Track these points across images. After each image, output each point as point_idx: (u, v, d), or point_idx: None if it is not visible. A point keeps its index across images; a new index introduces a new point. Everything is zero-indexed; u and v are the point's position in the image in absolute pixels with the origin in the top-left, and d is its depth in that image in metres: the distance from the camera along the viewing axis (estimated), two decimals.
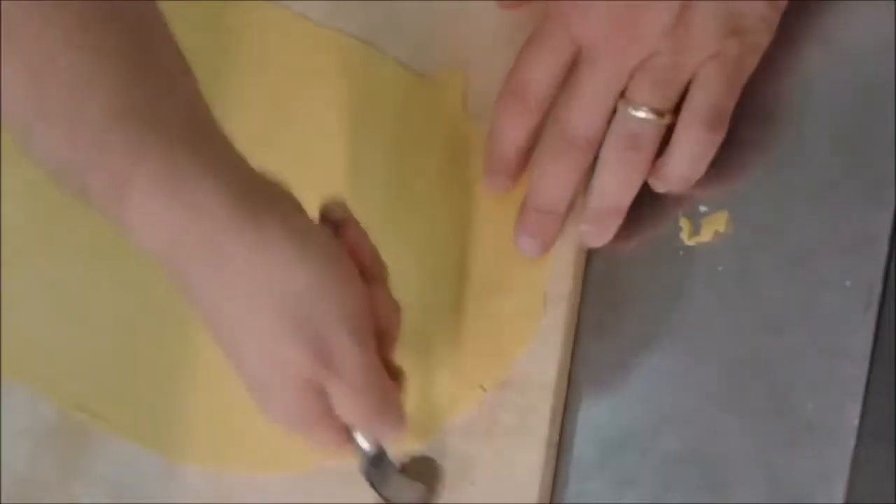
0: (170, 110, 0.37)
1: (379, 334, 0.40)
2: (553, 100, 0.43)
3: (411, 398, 0.48)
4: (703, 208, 0.44)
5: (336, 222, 0.40)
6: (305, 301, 0.37)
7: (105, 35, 0.36)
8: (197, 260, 0.36)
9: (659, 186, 0.43)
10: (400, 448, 0.45)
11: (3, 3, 0.35)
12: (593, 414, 0.45)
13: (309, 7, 0.54)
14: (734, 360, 0.43)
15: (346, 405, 0.39)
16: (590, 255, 0.46)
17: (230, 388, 0.53)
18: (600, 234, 0.44)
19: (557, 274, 0.46)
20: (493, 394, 0.47)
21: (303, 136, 0.53)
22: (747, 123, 0.43)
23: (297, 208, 0.38)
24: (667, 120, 0.41)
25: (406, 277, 0.49)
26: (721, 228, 0.44)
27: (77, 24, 0.36)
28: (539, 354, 0.46)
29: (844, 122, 0.43)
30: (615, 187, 0.42)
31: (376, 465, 0.43)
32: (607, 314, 0.45)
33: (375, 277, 0.40)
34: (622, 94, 0.41)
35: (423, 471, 0.46)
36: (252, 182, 0.37)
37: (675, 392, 0.44)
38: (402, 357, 0.48)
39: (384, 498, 0.44)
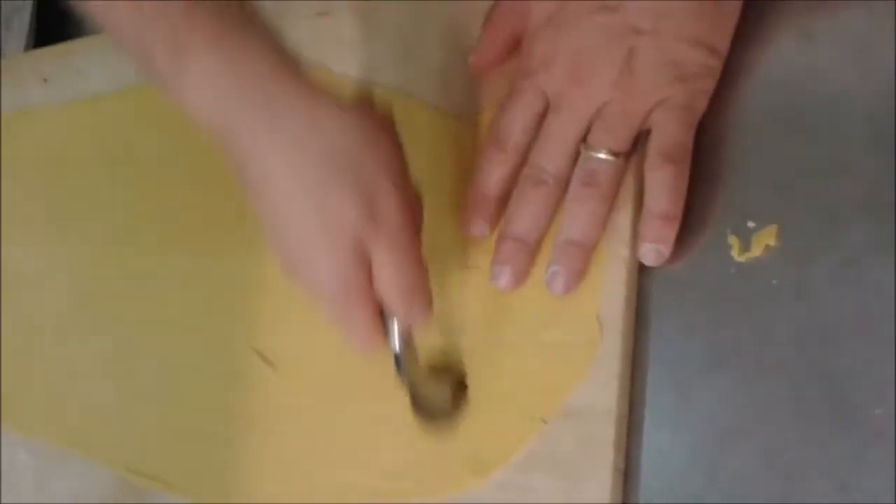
0: None
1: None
2: (527, 146, 0.48)
3: (474, 436, 0.48)
4: (751, 224, 0.44)
5: (370, 103, 0.42)
6: (353, 153, 0.39)
7: None
8: (249, 118, 0.39)
9: (649, 251, 0.45)
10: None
11: None
12: (658, 438, 0.45)
13: (350, 68, 0.56)
14: (797, 373, 0.43)
15: (386, 272, 0.40)
16: (642, 279, 0.46)
17: (287, 441, 0.54)
18: (567, 276, 0.46)
19: (610, 299, 0.46)
20: (553, 425, 0.47)
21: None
22: (788, 134, 0.43)
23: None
24: (622, 160, 0.46)
25: (459, 318, 0.50)
26: (772, 242, 0.44)
27: None
28: (598, 382, 0.46)
29: (886, 127, 0.43)
30: (579, 221, 0.46)
31: (405, 356, 0.44)
32: (664, 337, 0.46)
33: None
34: (584, 140, 0.46)
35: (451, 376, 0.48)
36: (292, 55, 0.40)
37: (739, 410, 0.44)
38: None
39: (411, 388, 0.45)
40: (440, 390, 0.47)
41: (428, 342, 0.47)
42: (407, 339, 0.44)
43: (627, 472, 0.45)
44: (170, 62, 0.39)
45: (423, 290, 0.43)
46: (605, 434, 0.45)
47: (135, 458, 0.60)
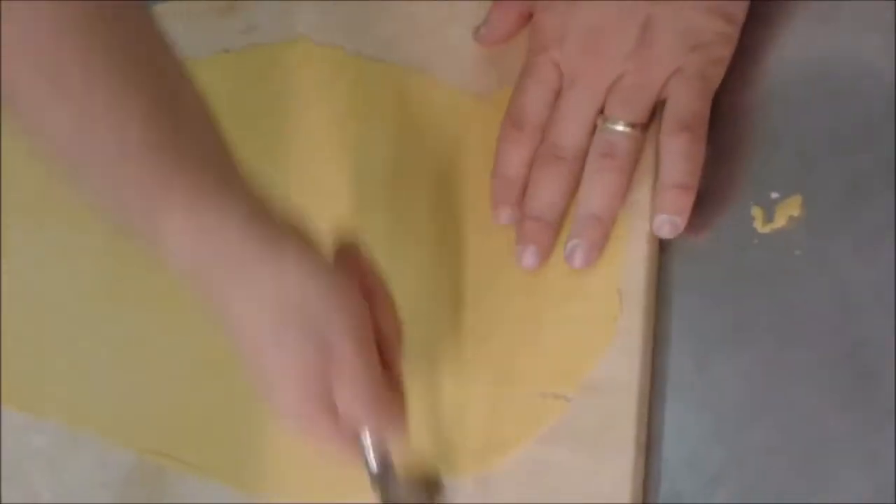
0: (195, 147, 0.42)
1: (382, 345, 0.43)
2: (545, 124, 0.47)
3: (496, 413, 0.48)
4: (774, 194, 0.44)
5: (348, 248, 0.44)
6: (309, 306, 0.41)
7: (139, 79, 0.41)
8: (220, 276, 0.42)
9: (663, 223, 0.45)
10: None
11: (53, 55, 0.40)
12: (679, 412, 0.45)
13: (363, 46, 0.56)
14: (820, 346, 0.43)
15: (346, 393, 0.41)
16: (663, 251, 0.46)
17: None
18: (587, 249, 0.46)
19: (631, 273, 0.46)
20: (575, 399, 0.47)
21: (370, 164, 0.54)
22: (813, 105, 0.43)
23: (307, 234, 0.42)
24: (639, 132, 0.45)
25: (482, 294, 0.49)
26: (796, 213, 0.44)
27: (117, 71, 0.40)
28: (619, 356, 0.46)
29: None
30: (598, 193, 0.46)
31: (381, 472, 0.44)
32: (685, 310, 0.45)
33: (378, 295, 0.44)
34: (601, 112, 0.46)
35: (428, 479, 0.47)
36: (268, 211, 0.42)
37: (762, 383, 0.44)
38: (485, 375, 0.49)
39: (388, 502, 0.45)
40: (417, 499, 0.47)
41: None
42: (383, 458, 0.44)
43: (648, 447, 0.45)
44: (143, 221, 0.42)
45: (389, 404, 0.43)
46: (627, 408, 0.45)
47: (152, 439, 0.60)
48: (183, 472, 0.59)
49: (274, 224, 0.42)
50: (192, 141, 0.42)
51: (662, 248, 0.46)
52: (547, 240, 0.47)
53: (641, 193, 0.46)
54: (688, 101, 0.44)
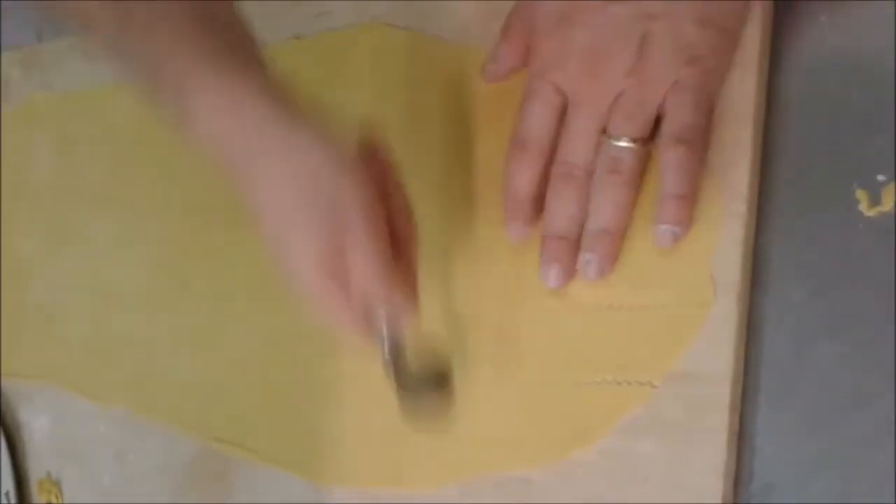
0: (226, 31, 0.46)
1: (396, 240, 0.45)
2: (551, 144, 0.48)
3: (578, 402, 0.47)
4: (881, 177, 0.42)
5: (369, 145, 0.46)
6: (324, 184, 0.43)
7: None
8: (243, 151, 0.44)
9: (664, 233, 0.45)
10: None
11: None
12: (774, 401, 0.44)
13: (441, 28, 0.55)
14: None
15: (358, 264, 0.43)
16: (760, 236, 0.45)
17: (374, 407, 0.53)
18: (600, 262, 0.47)
19: (725, 258, 0.44)
20: (661, 388, 0.45)
21: (450, 152, 0.53)
22: None
23: (327, 122, 0.45)
24: (642, 146, 0.46)
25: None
26: None
27: None
28: (711, 344, 0.44)
29: None
30: (607, 207, 0.47)
31: (393, 355, 0.46)
32: (783, 297, 0.44)
33: (395, 195, 0.46)
34: (605, 130, 0.47)
35: (439, 368, 0.48)
36: (292, 97, 0.45)
37: (862, 372, 0.42)
38: (563, 362, 0.48)
39: (399, 387, 0.46)
40: (430, 390, 0.47)
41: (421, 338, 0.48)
42: (395, 341, 0.45)
43: (740, 438, 0.44)
44: (174, 94, 0.45)
45: (402, 281, 0.45)
46: (720, 398, 0.44)
47: (217, 428, 0.60)
48: (248, 460, 0.58)
49: (297, 107, 0.44)
50: (224, 25, 0.46)
51: (759, 232, 0.45)
52: (569, 258, 0.48)
53: (737, 175, 0.45)
54: (684, 115, 0.45)
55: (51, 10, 0.53)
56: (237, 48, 0.46)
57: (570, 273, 0.48)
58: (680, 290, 0.45)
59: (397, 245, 0.45)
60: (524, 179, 0.49)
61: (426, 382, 0.47)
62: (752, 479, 0.44)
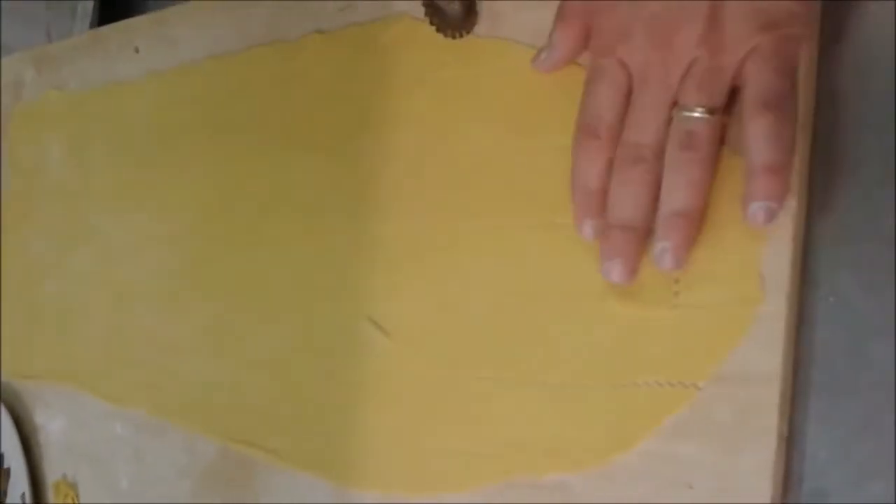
0: None
1: None
2: (620, 127, 0.45)
3: (619, 403, 0.45)
4: None
5: None
6: None
7: None
8: None
9: (758, 210, 0.42)
10: None
11: None
12: (825, 402, 0.42)
13: None
14: None
15: None
16: (812, 229, 0.43)
17: (403, 408, 0.51)
18: (676, 250, 0.43)
19: (774, 253, 0.43)
20: (707, 390, 0.44)
21: (475, 146, 0.52)
22: None
23: None
24: (718, 118, 0.43)
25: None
26: None
27: None
28: (759, 344, 0.43)
29: None
30: (681, 187, 0.43)
31: None
32: (836, 294, 0.42)
33: None
34: (675, 104, 0.43)
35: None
36: None
37: None
38: (602, 360, 0.46)
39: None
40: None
41: None
42: None
43: (790, 440, 0.42)
44: None
45: None
46: (768, 399, 0.42)
47: (238, 429, 0.58)
48: (269, 462, 0.57)
49: None
50: None
51: (809, 227, 0.43)
52: (634, 251, 0.45)
53: None
54: (768, 80, 0.42)
55: None
56: None
57: (635, 268, 0.45)
58: (727, 288, 0.44)
59: None
60: (596, 170, 0.45)
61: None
62: (803, 482, 0.42)
